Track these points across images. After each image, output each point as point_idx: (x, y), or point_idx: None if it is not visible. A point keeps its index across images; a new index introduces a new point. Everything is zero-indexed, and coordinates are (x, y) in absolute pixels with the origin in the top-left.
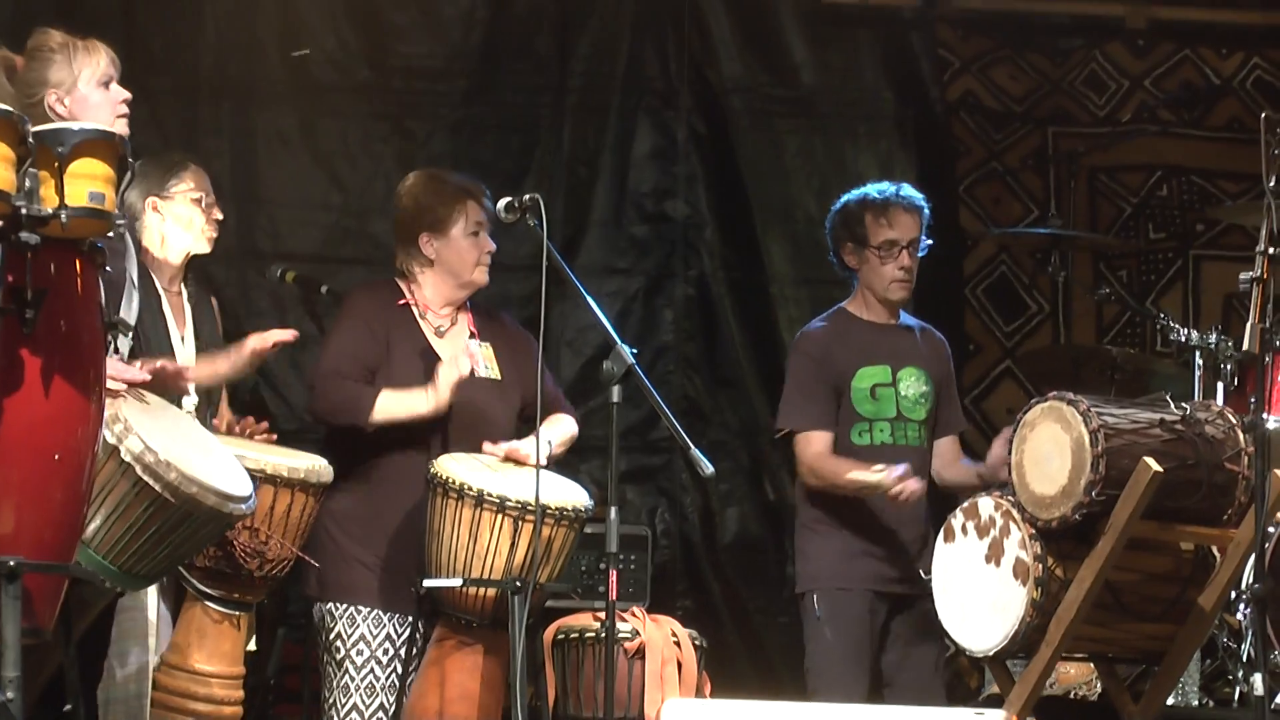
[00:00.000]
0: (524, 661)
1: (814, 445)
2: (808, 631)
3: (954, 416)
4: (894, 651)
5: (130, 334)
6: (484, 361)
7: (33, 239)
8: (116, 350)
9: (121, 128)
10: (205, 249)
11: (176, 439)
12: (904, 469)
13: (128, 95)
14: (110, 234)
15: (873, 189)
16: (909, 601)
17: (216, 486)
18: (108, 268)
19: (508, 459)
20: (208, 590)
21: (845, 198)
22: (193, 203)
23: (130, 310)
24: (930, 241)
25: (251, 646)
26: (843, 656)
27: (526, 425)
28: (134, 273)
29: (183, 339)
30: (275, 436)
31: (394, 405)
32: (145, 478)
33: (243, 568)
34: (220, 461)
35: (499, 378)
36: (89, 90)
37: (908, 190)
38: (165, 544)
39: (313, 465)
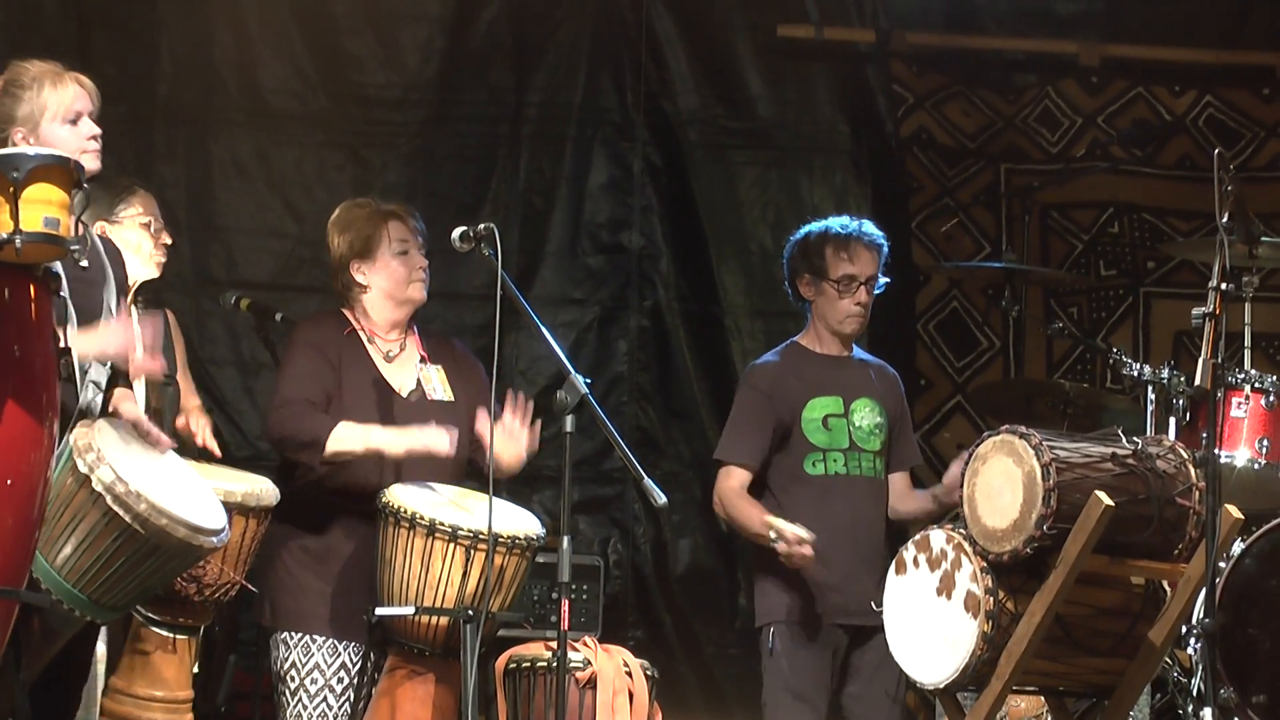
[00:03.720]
0: (475, 691)
1: (731, 480)
2: (764, 665)
3: (907, 451)
4: (854, 685)
5: (107, 364)
6: (437, 384)
7: None
8: (90, 380)
9: (89, 163)
10: (154, 274)
11: (150, 470)
12: (804, 535)
13: (96, 131)
14: (80, 261)
15: (835, 223)
16: (866, 634)
17: (187, 519)
18: (62, 293)
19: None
20: (149, 615)
21: (806, 229)
22: (141, 227)
23: (111, 331)
24: (887, 280)
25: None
26: (798, 690)
27: (475, 448)
28: (112, 302)
29: None
30: (219, 454)
31: (351, 435)
32: (115, 508)
33: (179, 592)
34: (194, 493)
35: (452, 399)
36: (51, 128)
37: (869, 227)
38: (135, 575)
39: (251, 489)
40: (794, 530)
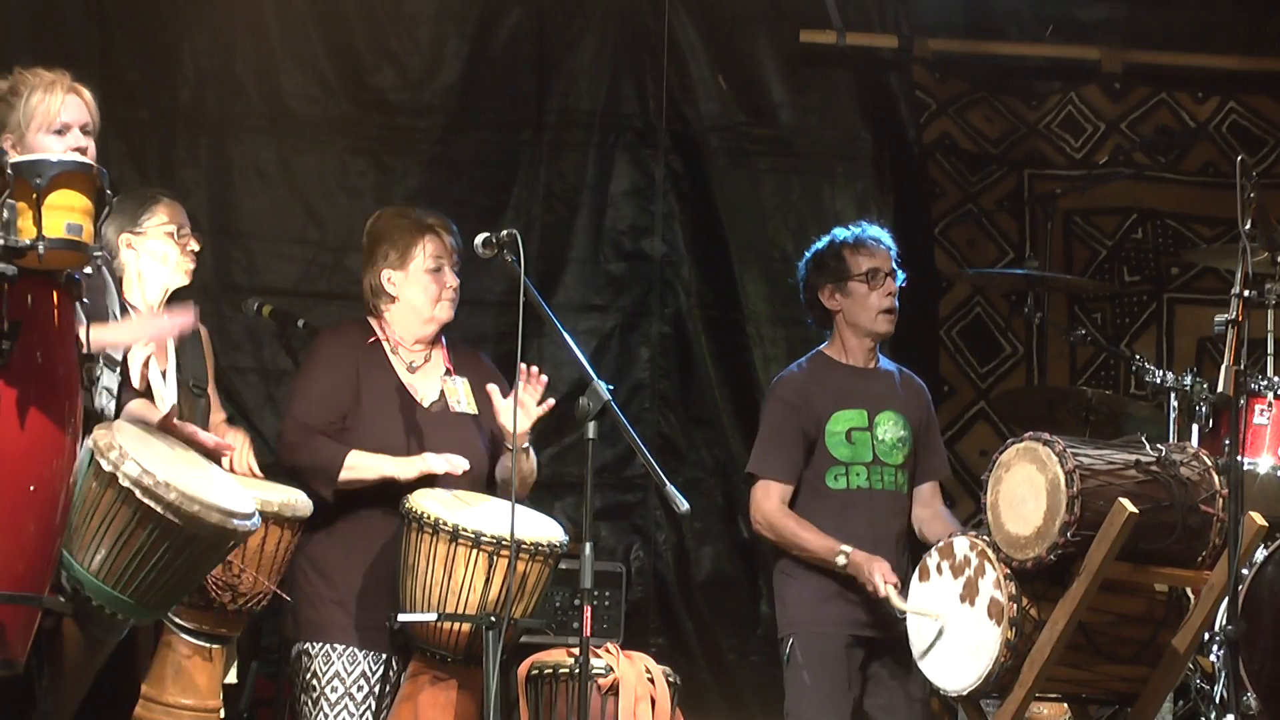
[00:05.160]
0: (498, 697)
1: (772, 498)
2: (787, 675)
3: (935, 462)
4: (877, 694)
5: (118, 369)
6: (461, 396)
7: (9, 270)
8: (103, 387)
9: None
10: (183, 281)
11: (173, 462)
12: (882, 566)
13: (82, 144)
14: (90, 267)
15: (839, 230)
16: (887, 645)
17: (218, 504)
18: (84, 300)
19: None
20: (182, 623)
21: (811, 249)
22: (166, 235)
23: (130, 328)
24: (905, 274)
25: (231, 679)
26: (821, 700)
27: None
28: (115, 308)
29: (164, 375)
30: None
31: (363, 464)
32: (146, 500)
33: (215, 601)
34: (219, 481)
35: (475, 413)
36: (36, 137)
37: (874, 228)
38: (172, 568)
39: (288, 499)
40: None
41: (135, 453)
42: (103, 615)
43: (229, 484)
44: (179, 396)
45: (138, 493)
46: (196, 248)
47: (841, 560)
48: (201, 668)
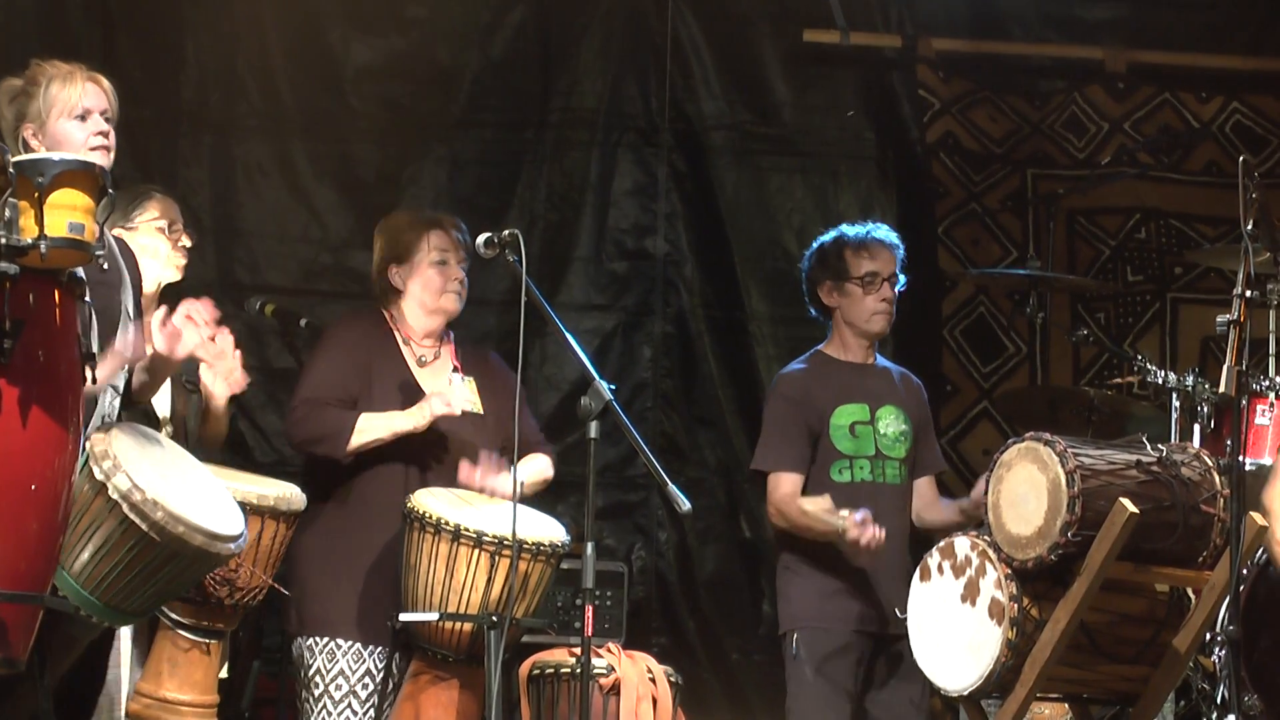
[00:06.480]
0: (499, 697)
1: (783, 487)
2: (789, 671)
3: (932, 458)
4: (878, 691)
5: (126, 367)
6: (469, 395)
7: (11, 269)
8: (109, 385)
9: (96, 160)
10: (175, 277)
11: (168, 476)
12: (865, 514)
13: (104, 128)
14: (102, 264)
15: (848, 228)
16: (891, 641)
17: (204, 526)
18: (88, 299)
19: (483, 490)
20: (178, 618)
21: (819, 241)
22: (157, 231)
23: (126, 343)
24: (906, 278)
25: (222, 674)
26: (823, 696)
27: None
28: (129, 304)
29: None
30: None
31: (374, 425)
32: (132, 516)
33: (211, 595)
34: (213, 499)
35: (481, 412)
36: (59, 125)
37: (883, 229)
38: (152, 582)
39: (282, 493)
40: (844, 524)
41: (129, 464)
42: (78, 615)
43: (223, 501)
44: (173, 393)
45: (125, 507)
46: (188, 244)
47: (840, 524)
48: (198, 662)
